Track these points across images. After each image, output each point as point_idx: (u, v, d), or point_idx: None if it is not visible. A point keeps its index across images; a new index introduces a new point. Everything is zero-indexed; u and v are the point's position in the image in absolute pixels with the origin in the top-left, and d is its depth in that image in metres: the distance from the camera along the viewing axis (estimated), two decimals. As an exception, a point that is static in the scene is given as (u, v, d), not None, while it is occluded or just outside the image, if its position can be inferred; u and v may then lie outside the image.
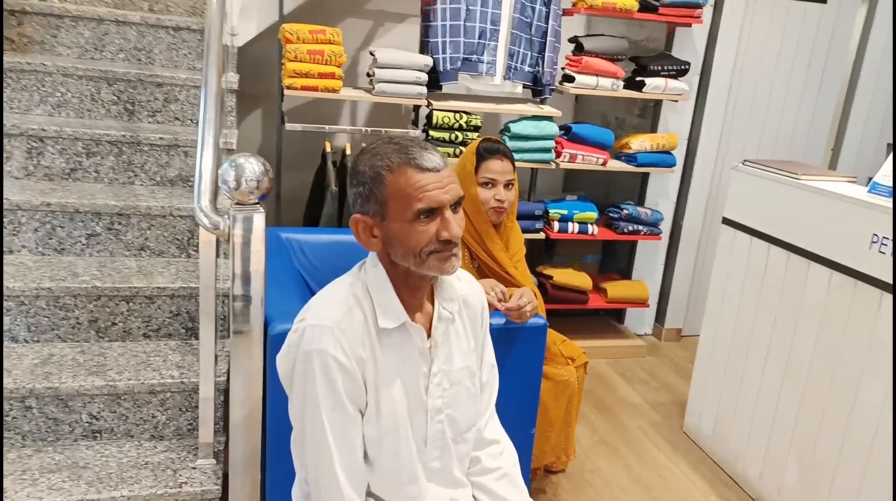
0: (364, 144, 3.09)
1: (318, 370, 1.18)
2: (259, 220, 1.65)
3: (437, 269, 1.22)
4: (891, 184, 2.03)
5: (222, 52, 2.09)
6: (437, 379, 1.29)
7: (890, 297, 1.96)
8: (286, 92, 2.83)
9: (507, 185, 2.13)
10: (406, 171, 1.18)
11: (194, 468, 1.96)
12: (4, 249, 2.27)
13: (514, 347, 1.97)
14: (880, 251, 1.97)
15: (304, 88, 2.80)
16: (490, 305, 1.95)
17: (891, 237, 1.94)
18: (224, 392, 2.07)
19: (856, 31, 3.62)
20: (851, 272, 2.08)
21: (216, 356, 1.99)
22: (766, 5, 3.40)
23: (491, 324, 1.83)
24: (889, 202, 2.01)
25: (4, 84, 2.53)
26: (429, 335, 1.30)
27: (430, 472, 1.31)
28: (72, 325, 2.16)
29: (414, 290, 1.28)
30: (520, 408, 2.02)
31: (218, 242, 1.95)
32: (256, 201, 1.65)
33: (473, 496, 1.39)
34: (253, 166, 1.62)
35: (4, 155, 2.40)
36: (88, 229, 2.34)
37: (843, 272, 2.11)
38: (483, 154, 2.11)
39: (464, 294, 1.37)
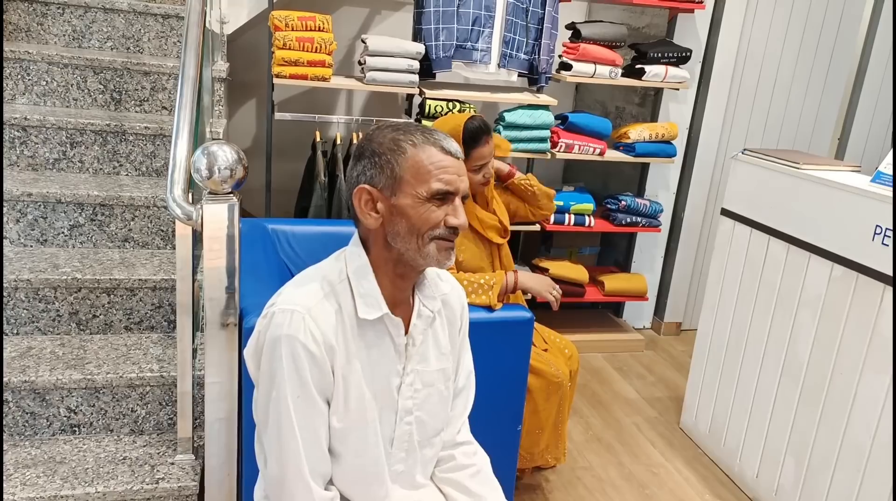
0: (350, 141, 3.05)
1: (285, 357, 1.13)
2: (232, 210, 1.60)
3: (435, 257, 1.17)
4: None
5: (202, 39, 2.04)
6: (409, 379, 1.24)
7: (892, 290, 1.88)
8: (275, 80, 2.77)
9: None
10: (429, 148, 1.15)
11: (173, 463, 1.92)
12: (-16, 239, 2.23)
13: (500, 341, 1.91)
14: (883, 243, 1.90)
15: (293, 77, 2.74)
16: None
17: (892, 229, 1.87)
18: (204, 386, 2.03)
19: (865, 17, 3.52)
20: (853, 265, 2.00)
21: (195, 350, 1.94)
22: (770, -10, 3.31)
23: (474, 318, 1.78)
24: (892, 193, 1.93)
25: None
26: (406, 332, 1.24)
27: (392, 474, 1.26)
28: (52, 317, 2.13)
29: (399, 280, 1.21)
30: (506, 404, 1.96)
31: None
32: (230, 190, 1.61)
33: (447, 494, 1.34)
34: (226, 154, 1.57)
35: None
36: (71, 220, 2.30)
37: (844, 265, 2.04)
38: (471, 143, 2.06)
39: (445, 293, 1.31)
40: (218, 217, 1.59)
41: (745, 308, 2.46)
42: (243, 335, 1.69)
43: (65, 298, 2.12)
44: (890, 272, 1.89)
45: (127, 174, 2.54)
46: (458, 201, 1.16)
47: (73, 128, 2.44)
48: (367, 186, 1.16)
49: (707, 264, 3.70)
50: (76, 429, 2.00)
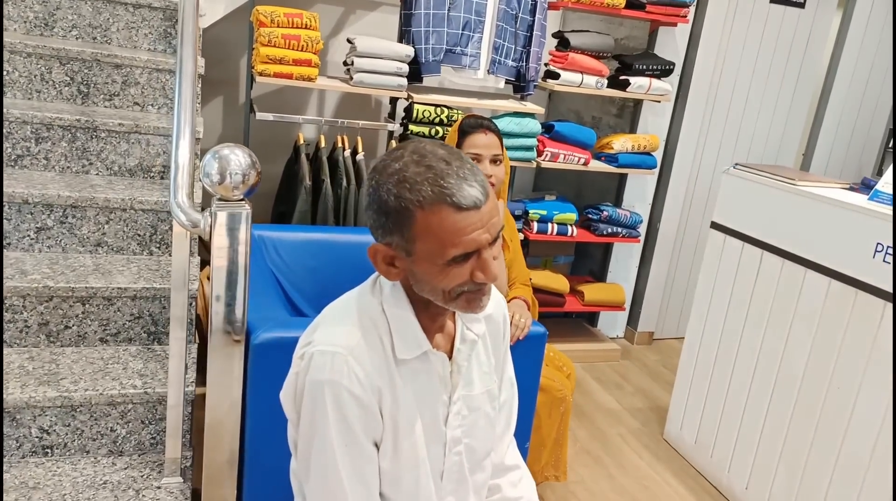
0: (333, 144, 2.94)
1: (329, 404, 1.03)
2: (244, 218, 1.49)
3: (465, 309, 1.07)
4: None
5: (197, 32, 1.91)
6: (456, 407, 1.16)
7: (892, 307, 1.92)
8: (258, 79, 2.64)
9: (494, 160, 1.99)
10: (441, 210, 0.97)
11: (159, 487, 1.79)
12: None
13: (512, 357, 1.85)
14: (885, 261, 1.93)
15: (277, 75, 2.62)
16: None
17: (892, 246, 1.91)
18: (192, 404, 1.90)
19: (831, 37, 3.64)
20: (852, 282, 2.04)
21: (186, 365, 1.81)
22: (747, 6, 3.38)
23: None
24: (892, 211, 1.97)
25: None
26: (449, 357, 1.16)
27: None
28: (19, 329, 1.95)
29: (436, 316, 1.13)
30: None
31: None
32: (242, 196, 1.50)
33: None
34: (239, 159, 1.48)
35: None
36: (38, 222, 2.12)
37: (842, 281, 2.07)
38: (466, 130, 1.99)
39: (489, 313, 1.23)
40: (229, 226, 1.48)
41: (736, 320, 2.48)
42: (251, 352, 1.59)
43: (34, 307, 1.95)
44: (891, 289, 1.93)
45: (98, 173, 2.37)
46: (485, 253, 1.01)
47: (38, 122, 2.25)
48: (381, 246, 1.05)
49: (681, 274, 3.75)
50: (49, 451, 1.84)
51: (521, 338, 1.85)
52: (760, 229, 2.38)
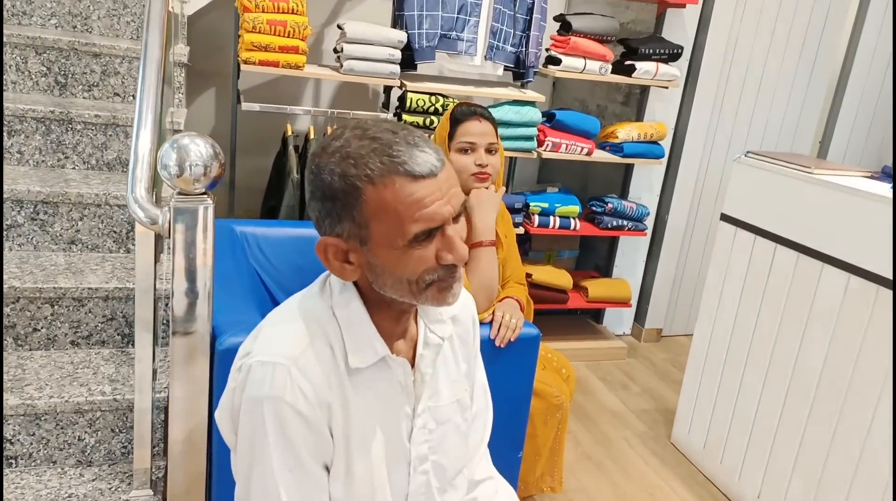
0: (323, 134, 2.83)
1: (269, 423, 0.91)
2: (206, 213, 1.37)
3: (436, 301, 0.94)
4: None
5: (166, 16, 1.79)
6: (421, 421, 1.03)
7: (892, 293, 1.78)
8: (243, 67, 2.53)
9: (490, 149, 1.86)
10: (394, 182, 0.87)
11: (128, 500, 1.68)
12: None
13: (503, 360, 1.73)
14: (908, 255, 1.79)
15: (262, 63, 2.50)
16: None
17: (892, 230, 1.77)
18: (164, 411, 1.79)
19: (849, 18, 3.47)
20: (873, 277, 1.89)
21: (155, 370, 1.70)
22: (759, -12, 3.22)
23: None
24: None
25: None
26: (412, 365, 1.03)
27: None
28: (-16, 332, 1.85)
29: (398, 316, 1.01)
30: (507, 429, 1.77)
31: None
32: (204, 190, 1.38)
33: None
34: (199, 148, 1.35)
35: None
36: (8, 219, 2.02)
37: (862, 277, 1.92)
38: (459, 117, 1.85)
39: (454, 313, 1.10)
40: (189, 222, 1.36)
41: (747, 318, 2.34)
42: (216, 358, 1.47)
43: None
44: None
45: (73, 168, 2.26)
46: (449, 229, 0.90)
47: (10, 114, 2.16)
48: (330, 239, 0.93)
49: (690, 268, 3.60)
50: (12, 462, 1.74)
51: (512, 340, 1.72)
52: (774, 221, 2.24)
